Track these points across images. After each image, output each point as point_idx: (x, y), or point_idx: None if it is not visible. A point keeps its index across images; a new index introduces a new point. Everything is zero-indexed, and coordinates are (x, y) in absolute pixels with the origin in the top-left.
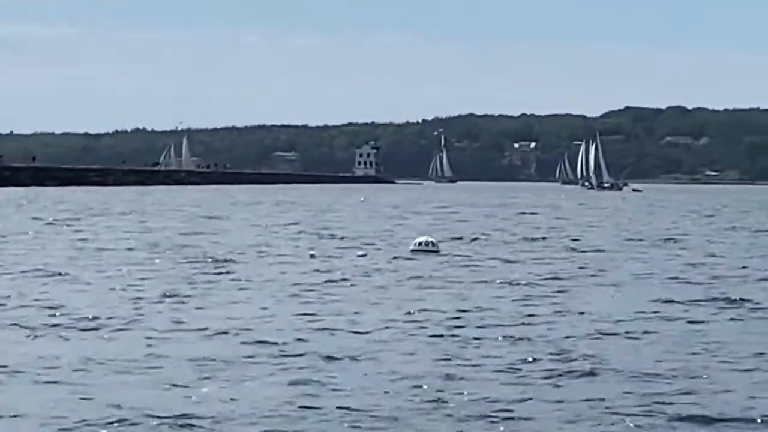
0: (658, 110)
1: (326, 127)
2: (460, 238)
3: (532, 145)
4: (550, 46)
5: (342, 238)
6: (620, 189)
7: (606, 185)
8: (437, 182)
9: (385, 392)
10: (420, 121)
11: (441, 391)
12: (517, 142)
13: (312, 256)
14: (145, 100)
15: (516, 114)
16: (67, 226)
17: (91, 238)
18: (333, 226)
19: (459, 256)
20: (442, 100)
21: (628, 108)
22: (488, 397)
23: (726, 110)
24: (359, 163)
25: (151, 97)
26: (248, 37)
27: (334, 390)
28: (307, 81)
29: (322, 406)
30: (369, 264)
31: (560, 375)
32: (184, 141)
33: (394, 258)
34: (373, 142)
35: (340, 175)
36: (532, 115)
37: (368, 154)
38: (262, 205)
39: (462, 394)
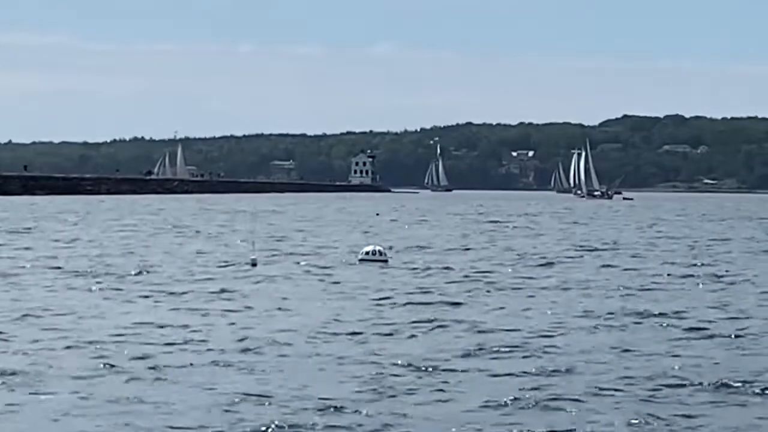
0: (656, 119)
1: (324, 136)
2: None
3: (530, 153)
4: (548, 56)
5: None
6: (610, 197)
7: (596, 194)
8: (433, 191)
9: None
10: (418, 129)
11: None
12: (515, 150)
13: (254, 264)
14: (144, 109)
15: (514, 123)
16: None
17: None
18: (291, 235)
19: (407, 265)
20: (441, 109)
21: (626, 117)
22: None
23: (724, 119)
24: (355, 172)
25: (150, 106)
26: (246, 46)
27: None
28: (305, 90)
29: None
30: (287, 273)
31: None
32: (179, 150)
33: (325, 268)
34: (369, 151)
35: (337, 183)
36: (530, 123)
37: (364, 163)
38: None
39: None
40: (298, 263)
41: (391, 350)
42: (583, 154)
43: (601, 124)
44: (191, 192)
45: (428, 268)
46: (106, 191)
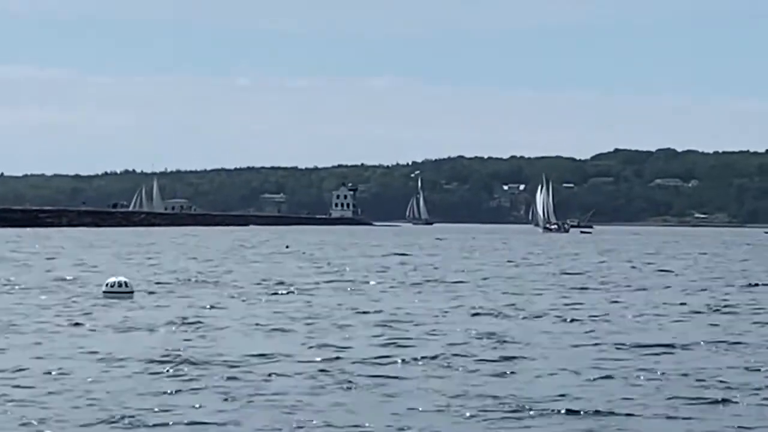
0: (648, 153)
1: (315, 169)
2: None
3: (521, 187)
4: (540, 89)
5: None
6: (566, 231)
7: (551, 227)
8: (414, 224)
9: None
10: (410, 163)
11: None
12: (506, 184)
13: None
14: (138, 141)
15: (506, 156)
16: None
17: None
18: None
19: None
20: (433, 143)
21: (617, 150)
22: None
23: (716, 153)
24: (336, 205)
25: (144, 139)
26: (243, 79)
27: None
28: (297, 123)
29: None
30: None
31: None
32: (155, 183)
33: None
34: (350, 184)
35: (317, 216)
36: (522, 157)
37: (345, 196)
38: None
39: None
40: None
41: None
42: (540, 188)
43: (593, 158)
44: (158, 225)
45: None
46: (67, 224)
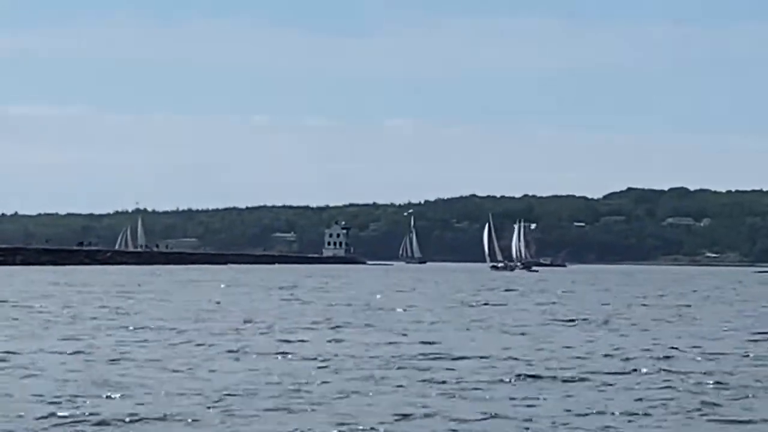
0: (660, 191)
1: (327, 207)
2: None
3: (533, 226)
4: (553, 128)
5: None
6: (512, 270)
7: (499, 266)
8: (407, 263)
9: None
10: (422, 201)
11: None
12: (517, 222)
13: None
14: (152, 180)
15: (518, 195)
16: None
17: None
18: None
19: None
20: (446, 181)
21: (630, 189)
22: None
23: (728, 191)
24: (329, 244)
25: (158, 178)
26: (260, 117)
27: None
28: (310, 162)
29: None
30: None
31: None
32: (139, 222)
33: None
34: (343, 222)
35: (308, 255)
36: (534, 196)
37: (338, 235)
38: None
39: None
40: None
41: None
42: (486, 228)
43: (605, 197)
44: (126, 263)
45: None
46: (21, 262)
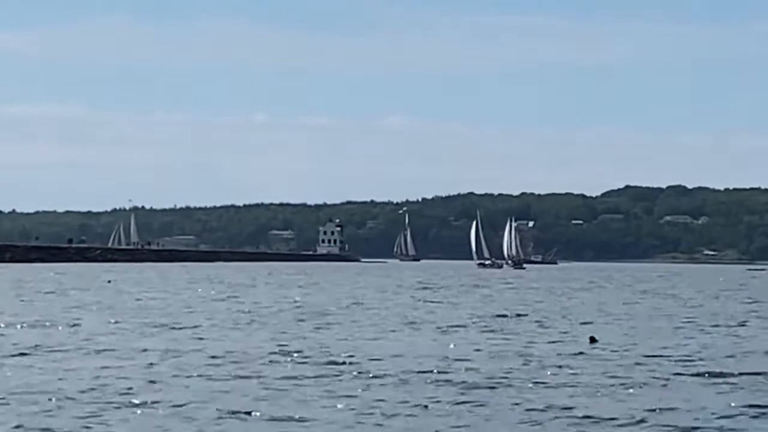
0: (658, 189)
1: (324, 205)
2: None
3: (530, 224)
4: (550, 126)
5: None
6: (500, 267)
7: (486, 263)
8: (401, 260)
9: None
10: (420, 199)
11: None
12: (515, 220)
13: None
14: (151, 178)
15: (516, 193)
16: None
17: None
18: None
19: None
20: (443, 179)
21: (628, 187)
22: None
23: (726, 190)
24: (323, 241)
25: (158, 176)
26: (260, 116)
27: None
28: (309, 160)
29: None
30: None
31: None
32: (132, 220)
33: None
34: (338, 220)
35: (302, 253)
36: (532, 194)
37: (332, 232)
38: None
39: None
40: None
41: None
42: (474, 225)
43: (603, 195)
44: (116, 261)
45: None
46: (10, 259)
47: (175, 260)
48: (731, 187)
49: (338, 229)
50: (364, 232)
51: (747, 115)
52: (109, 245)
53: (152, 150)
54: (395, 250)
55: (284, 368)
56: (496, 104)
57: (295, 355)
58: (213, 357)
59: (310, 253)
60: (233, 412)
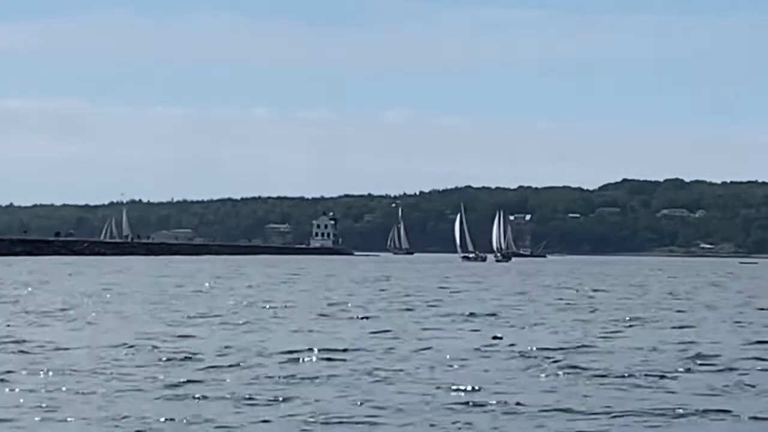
0: (656, 183)
1: (322, 198)
2: None
3: (527, 217)
4: (548, 120)
5: None
6: (484, 260)
7: (470, 257)
8: (394, 254)
9: None
10: (417, 193)
11: None
12: (512, 214)
13: None
14: (149, 172)
15: (513, 186)
16: None
17: None
18: None
19: None
20: (441, 173)
21: (625, 180)
22: None
23: (723, 183)
24: (317, 234)
25: (156, 169)
26: (260, 110)
27: None
28: (306, 154)
29: None
30: None
31: None
32: (124, 213)
33: None
34: (332, 213)
35: (296, 246)
36: (530, 187)
37: (326, 226)
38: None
39: None
40: None
41: None
42: (458, 219)
43: (600, 188)
44: (104, 254)
45: None
46: None
47: (166, 254)
48: (728, 181)
49: (332, 222)
50: (361, 225)
51: (744, 109)
52: (101, 238)
53: (151, 144)
54: (389, 243)
55: None
56: (494, 98)
57: None
58: None
59: (304, 246)
60: None
